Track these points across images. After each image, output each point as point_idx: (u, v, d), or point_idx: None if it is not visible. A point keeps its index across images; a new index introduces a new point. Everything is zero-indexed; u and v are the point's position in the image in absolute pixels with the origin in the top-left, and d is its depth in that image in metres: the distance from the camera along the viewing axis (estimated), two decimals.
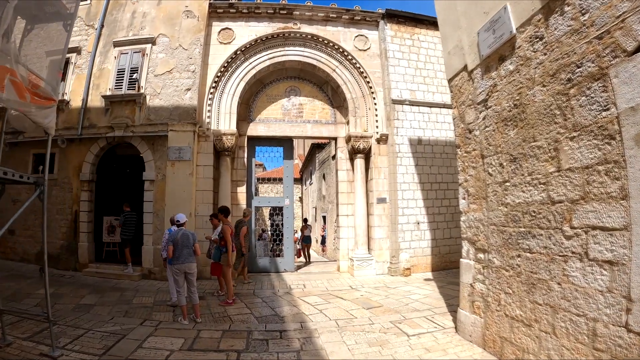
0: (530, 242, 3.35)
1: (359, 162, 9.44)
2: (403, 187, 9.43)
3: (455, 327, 4.88)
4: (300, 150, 27.75)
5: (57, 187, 8.95)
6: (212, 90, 8.85)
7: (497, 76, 3.82)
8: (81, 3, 9.32)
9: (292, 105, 9.81)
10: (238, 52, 9.05)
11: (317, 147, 21.06)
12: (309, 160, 24.47)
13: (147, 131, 8.55)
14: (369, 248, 9.40)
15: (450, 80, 4.86)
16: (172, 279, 5.80)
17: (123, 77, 8.83)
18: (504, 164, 3.70)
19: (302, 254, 13.06)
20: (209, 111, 8.79)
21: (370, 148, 9.47)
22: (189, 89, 8.65)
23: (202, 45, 8.85)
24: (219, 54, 9.06)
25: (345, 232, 9.66)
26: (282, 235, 9.76)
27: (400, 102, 9.61)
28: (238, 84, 9.04)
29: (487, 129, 3.94)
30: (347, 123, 9.77)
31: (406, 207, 9.41)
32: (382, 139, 9.46)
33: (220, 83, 8.96)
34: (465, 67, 4.52)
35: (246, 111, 9.58)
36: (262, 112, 9.64)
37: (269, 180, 31.10)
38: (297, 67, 9.68)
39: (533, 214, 3.31)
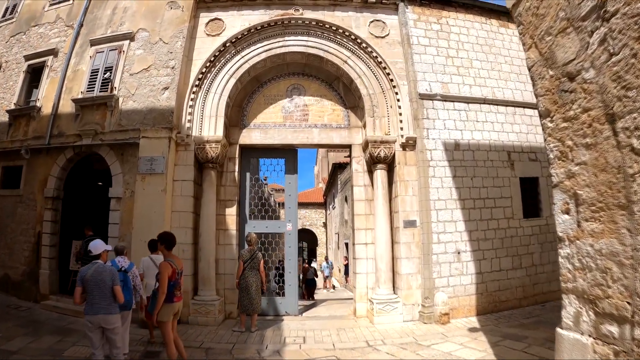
0: None
1: (380, 174, 7.37)
2: (438, 206, 7.19)
3: None
4: (325, 173, 26.00)
5: (22, 204, 7.69)
6: (194, 89, 7.31)
7: None
8: (63, 3, 8.40)
9: (295, 107, 8.04)
10: (227, 44, 7.52)
11: (339, 167, 19.23)
12: (331, 182, 22.68)
13: (117, 139, 7.10)
14: (394, 286, 7.14)
15: (515, 6, 2.76)
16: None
17: (96, 78, 7.57)
18: None
19: (305, 297, 11.80)
20: (190, 114, 7.22)
21: (393, 156, 7.40)
22: (166, 88, 7.17)
23: (184, 38, 7.43)
24: (206, 48, 7.59)
25: (364, 266, 7.46)
26: (282, 269, 7.72)
27: (430, 97, 7.55)
28: (227, 81, 7.46)
29: (614, 59, 1.83)
30: (364, 126, 7.81)
31: (442, 231, 7.12)
32: (409, 144, 7.37)
33: (205, 81, 7.42)
34: None
35: (239, 115, 7.93)
36: (258, 116, 7.94)
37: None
38: (300, 62, 7.98)
39: None
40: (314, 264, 19.25)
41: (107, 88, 7.40)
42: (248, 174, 7.85)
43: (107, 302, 3.74)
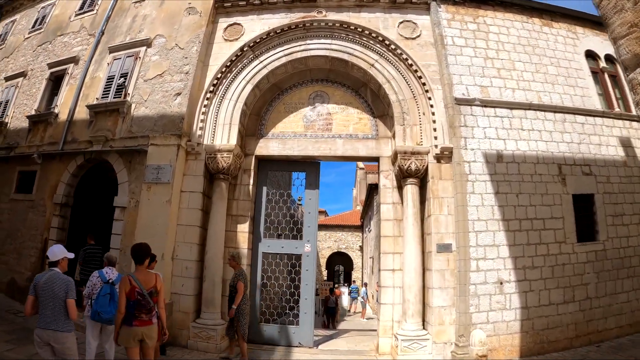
0: None
1: (411, 190, 6.47)
2: (477, 227, 6.17)
3: None
4: (363, 195, 25.18)
5: (33, 209, 7.50)
6: (208, 95, 6.87)
7: None
8: (87, 14, 8.41)
9: (318, 115, 7.38)
10: (245, 49, 7.07)
11: (375, 188, 18.23)
12: (367, 204, 21.68)
13: (126, 145, 6.74)
14: (423, 321, 6.13)
15: None
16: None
17: (112, 84, 7.34)
18: None
19: (325, 325, 11.21)
20: (202, 121, 6.75)
21: (426, 169, 6.51)
22: (178, 94, 6.77)
23: (200, 43, 7.07)
24: (223, 54, 7.18)
25: (389, 296, 6.50)
26: (298, 294, 6.91)
27: (468, 103, 6.65)
28: (244, 88, 6.96)
29: None
30: (393, 136, 7.01)
31: (482, 257, 6.07)
32: (444, 156, 6.47)
33: (220, 87, 6.97)
34: None
35: (256, 125, 7.38)
36: (277, 126, 7.35)
37: (328, 227, 28.27)
38: (324, 67, 7.38)
39: None
40: (344, 289, 17.94)
41: (121, 94, 7.14)
42: (265, 188, 7.20)
43: (58, 317, 3.19)
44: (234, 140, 6.64)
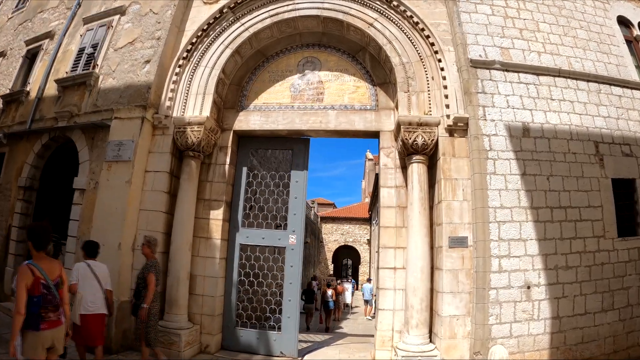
0: None
1: (417, 170, 5.27)
2: (500, 217, 4.92)
3: None
4: (372, 187, 24.14)
5: (1, 194, 6.84)
6: (181, 62, 5.98)
7: None
8: None
9: (307, 84, 6.32)
10: (225, 10, 6.15)
11: None
12: (374, 195, 20.64)
13: (90, 121, 5.95)
14: (430, 332, 4.92)
15: None
16: None
17: (82, 56, 6.63)
18: None
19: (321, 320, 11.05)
20: (172, 91, 5.86)
21: (436, 144, 5.32)
22: (148, 61, 5.94)
23: (175, 7, 6.19)
24: (201, 18, 6.26)
25: (390, 300, 5.33)
26: (280, 294, 5.83)
27: (486, 65, 5.41)
28: (222, 53, 6.03)
29: None
30: (396, 107, 5.86)
31: (506, 254, 4.81)
32: (458, 128, 5.27)
33: (195, 53, 6.08)
34: None
35: (237, 96, 6.41)
36: (260, 96, 6.35)
37: (335, 220, 28.08)
38: (316, 30, 6.34)
39: None
40: (347, 285, 16.87)
41: (90, 66, 6.40)
42: (245, 169, 6.21)
43: None
44: (206, 112, 5.69)
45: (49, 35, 7.47)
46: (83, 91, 6.31)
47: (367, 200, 27.75)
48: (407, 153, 5.41)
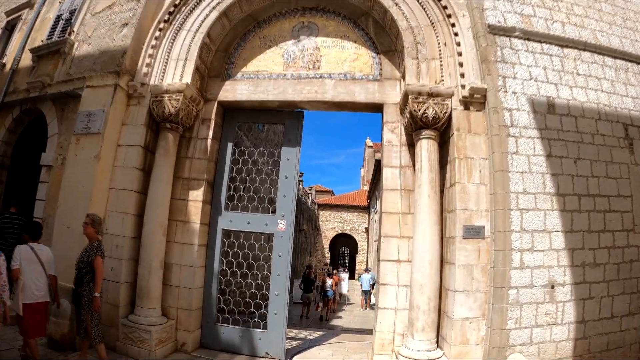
0: None
1: (427, 147, 4.52)
2: (523, 204, 4.14)
3: None
4: (371, 175, 23.45)
5: None
6: (162, 25, 5.33)
7: None
8: None
9: (302, 51, 5.58)
10: None
11: None
12: (374, 182, 20.00)
13: (61, 90, 5.37)
14: (438, 336, 4.18)
15: None
16: None
17: (59, 23, 6.08)
18: None
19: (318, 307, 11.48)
20: (150, 56, 5.21)
21: (449, 118, 4.55)
22: (125, 24, 5.31)
23: None
24: None
25: (392, 297, 4.59)
26: (267, 287, 5.15)
27: (506, 32, 4.61)
28: (207, 15, 5.35)
29: None
30: (403, 77, 5.09)
31: (529, 248, 4.04)
32: (475, 100, 4.49)
33: (178, 16, 5.41)
34: None
35: (223, 63, 5.72)
36: (249, 64, 5.66)
37: (332, 207, 27.68)
38: None
39: None
40: (344, 275, 16.24)
41: (66, 33, 5.83)
42: (230, 144, 5.54)
43: None
44: (187, 79, 5.03)
45: (29, 4, 6.94)
46: (57, 60, 5.75)
47: (366, 188, 27.29)
48: (415, 128, 4.64)
